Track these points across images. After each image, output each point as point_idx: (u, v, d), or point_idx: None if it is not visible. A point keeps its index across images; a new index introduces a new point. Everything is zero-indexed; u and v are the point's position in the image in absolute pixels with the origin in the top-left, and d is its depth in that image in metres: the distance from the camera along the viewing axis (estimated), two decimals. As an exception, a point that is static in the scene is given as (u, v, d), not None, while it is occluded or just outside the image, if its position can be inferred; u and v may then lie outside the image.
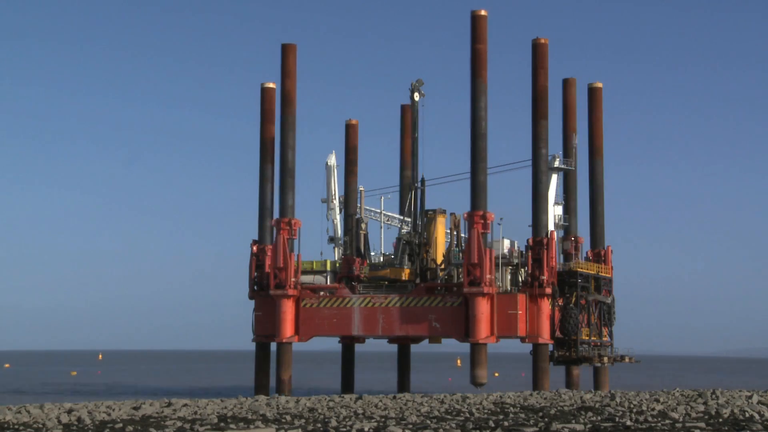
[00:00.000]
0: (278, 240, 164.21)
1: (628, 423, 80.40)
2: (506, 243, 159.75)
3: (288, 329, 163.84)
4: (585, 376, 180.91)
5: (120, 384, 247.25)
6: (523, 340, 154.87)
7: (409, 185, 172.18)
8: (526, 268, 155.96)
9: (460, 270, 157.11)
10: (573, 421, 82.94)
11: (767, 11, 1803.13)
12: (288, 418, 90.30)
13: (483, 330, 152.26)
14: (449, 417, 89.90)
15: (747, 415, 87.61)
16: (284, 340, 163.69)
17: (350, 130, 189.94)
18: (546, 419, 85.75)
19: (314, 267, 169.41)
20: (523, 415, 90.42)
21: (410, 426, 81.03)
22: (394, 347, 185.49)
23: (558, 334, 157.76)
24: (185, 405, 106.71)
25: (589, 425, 78.98)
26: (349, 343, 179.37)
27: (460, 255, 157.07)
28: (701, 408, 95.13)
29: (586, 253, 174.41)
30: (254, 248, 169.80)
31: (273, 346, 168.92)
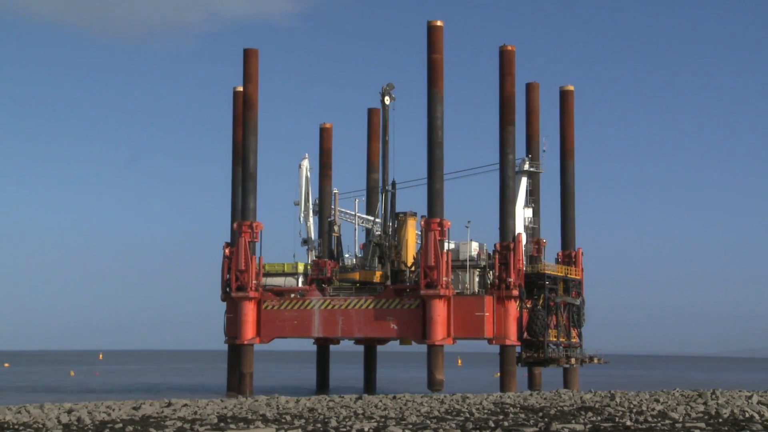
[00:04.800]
0: (239, 242, 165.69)
1: (628, 423, 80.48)
2: (474, 245, 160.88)
3: (249, 331, 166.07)
4: (557, 377, 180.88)
5: (118, 384, 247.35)
6: (490, 341, 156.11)
7: (380, 188, 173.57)
8: (494, 271, 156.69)
9: None
10: (573, 421, 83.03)
11: (734, 3, 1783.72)
12: (288, 418, 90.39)
13: (439, 332, 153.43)
14: (449, 417, 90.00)
15: (747, 415, 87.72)
16: (246, 342, 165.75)
17: (324, 134, 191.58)
18: (546, 419, 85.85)
19: (285, 269, 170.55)
20: (523, 415, 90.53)
21: (410, 426, 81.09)
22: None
23: (525, 335, 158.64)
24: (185, 405, 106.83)
25: (589, 425, 79.07)
26: (323, 344, 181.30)
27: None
28: (701, 408, 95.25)
29: (557, 254, 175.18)
30: (226, 251, 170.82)
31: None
